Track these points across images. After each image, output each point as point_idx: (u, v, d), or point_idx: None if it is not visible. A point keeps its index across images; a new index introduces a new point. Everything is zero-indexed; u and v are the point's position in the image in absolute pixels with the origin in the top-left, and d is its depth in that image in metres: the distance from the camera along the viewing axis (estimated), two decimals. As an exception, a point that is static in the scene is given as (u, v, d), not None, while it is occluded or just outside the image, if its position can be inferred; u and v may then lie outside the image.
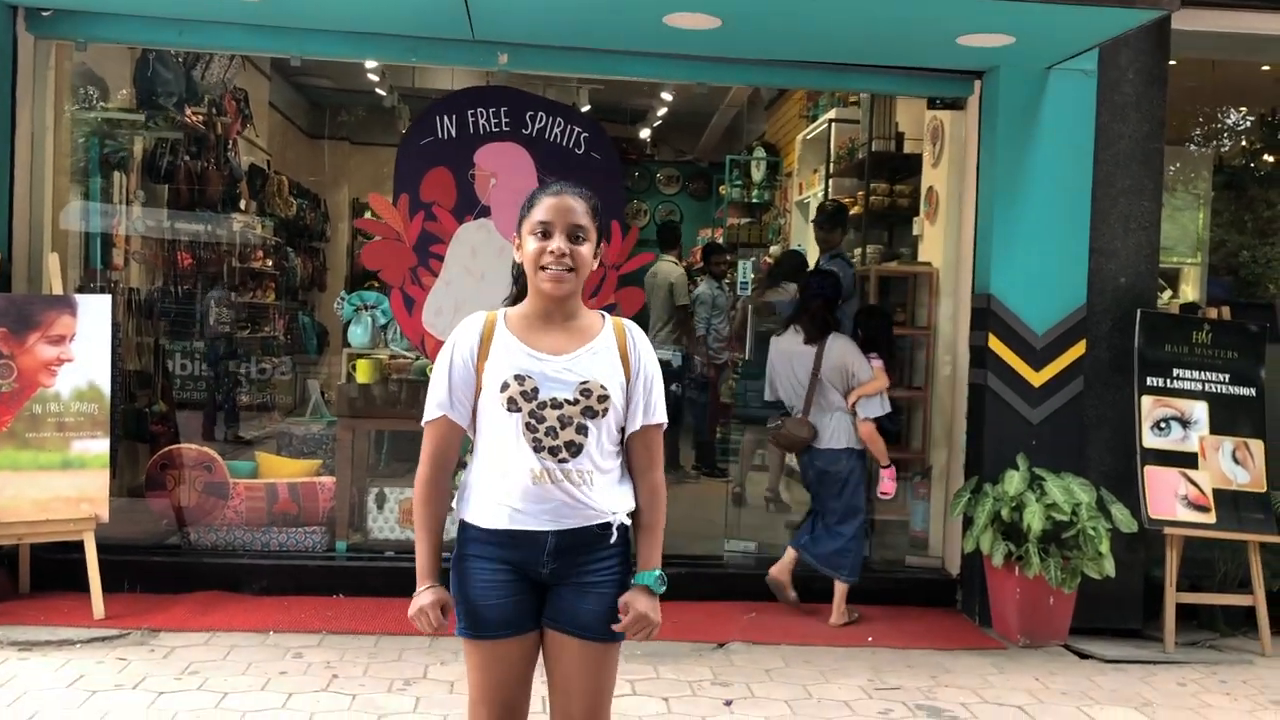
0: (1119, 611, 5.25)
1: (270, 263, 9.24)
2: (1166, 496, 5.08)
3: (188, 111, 7.05)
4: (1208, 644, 5.16)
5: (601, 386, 2.36)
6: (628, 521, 2.44)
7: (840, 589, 5.19)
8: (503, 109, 5.54)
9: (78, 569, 4.80)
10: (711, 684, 4.30)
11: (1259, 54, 6.30)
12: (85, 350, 4.92)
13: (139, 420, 6.54)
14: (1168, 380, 5.23)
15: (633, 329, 2.49)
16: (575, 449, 2.34)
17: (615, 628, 2.38)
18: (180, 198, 7.18)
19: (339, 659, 4.44)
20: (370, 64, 7.71)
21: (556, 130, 5.56)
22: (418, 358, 5.87)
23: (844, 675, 4.49)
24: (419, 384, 5.80)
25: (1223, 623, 5.30)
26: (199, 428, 6.88)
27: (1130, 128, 5.35)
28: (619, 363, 2.42)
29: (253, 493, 5.51)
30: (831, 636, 4.99)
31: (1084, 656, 4.89)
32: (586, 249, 2.39)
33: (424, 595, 2.39)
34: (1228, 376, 5.27)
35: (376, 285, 11.74)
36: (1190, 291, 7.23)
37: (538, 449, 2.33)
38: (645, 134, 11.75)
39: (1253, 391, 5.29)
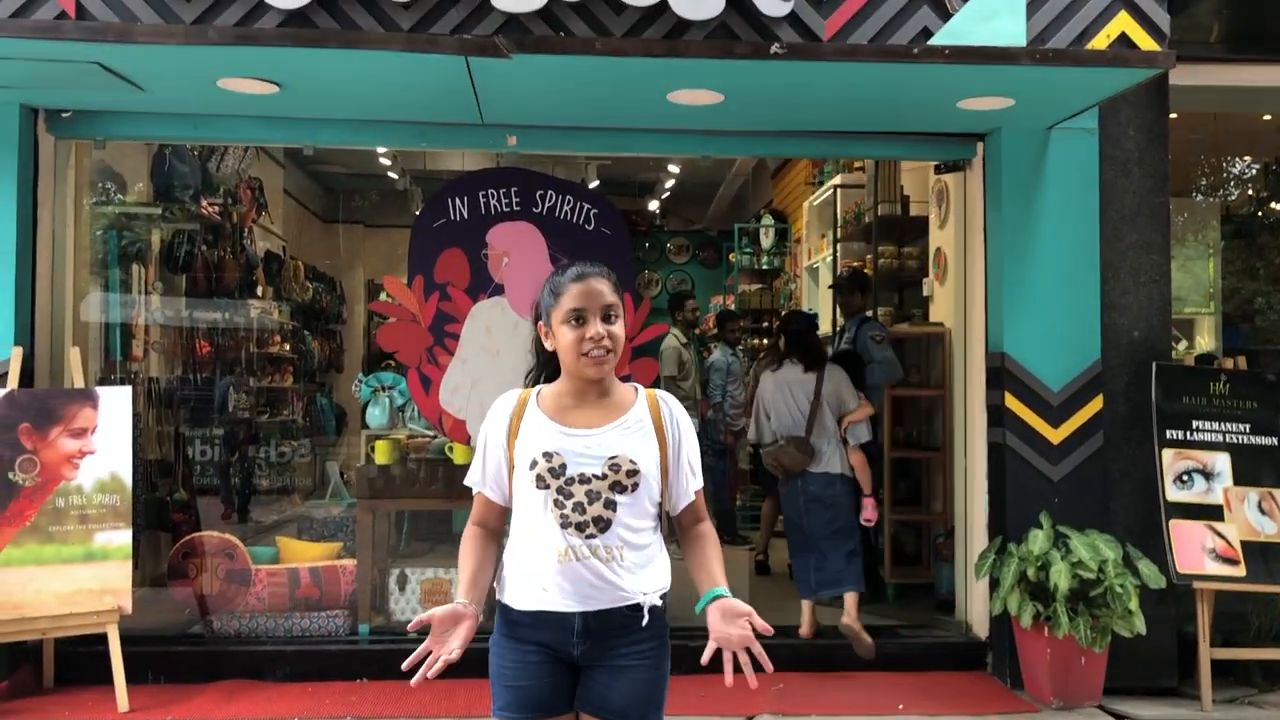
0: (1152, 669, 5.17)
1: (288, 347, 9.34)
2: (1194, 550, 5.02)
3: (204, 202, 7.19)
4: (1246, 701, 5.06)
5: (631, 461, 2.36)
6: (660, 603, 2.42)
7: (852, 598, 5.39)
8: (513, 189, 5.64)
9: (101, 662, 4.79)
10: (741, 759, 4.24)
11: (1258, 105, 6.37)
12: (107, 442, 4.96)
13: (160, 509, 6.57)
14: (1187, 433, 5.20)
15: (667, 400, 2.50)
16: (603, 524, 2.34)
17: (705, 656, 2.32)
18: (198, 286, 7.29)
19: (364, 745, 4.40)
20: (382, 149, 7.85)
21: (566, 208, 5.65)
22: (435, 436, 5.90)
23: (876, 745, 4.42)
24: (438, 463, 5.82)
25: (1260, 678, 5.20)
26: (220, 514, 6.89)
27: (1134, 183, 5.39)
28: (653, 436, 2.42)
29: (275, 578, 5.50)
30: (862, 707, 4.92)
31: (1120, 718, 4.80)
32: (619, 327, 2.41)
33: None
34: (1248, 426, 5.24)
35: (393, 365, 11.87)
36: (1206, 341, 7.22)
37: (565, 525, 2.33)
38: (654, 205, 11.90)
39: (1274, 441, 5.25)
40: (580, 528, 2.33)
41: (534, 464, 2.37)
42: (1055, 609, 4.75)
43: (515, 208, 5.64)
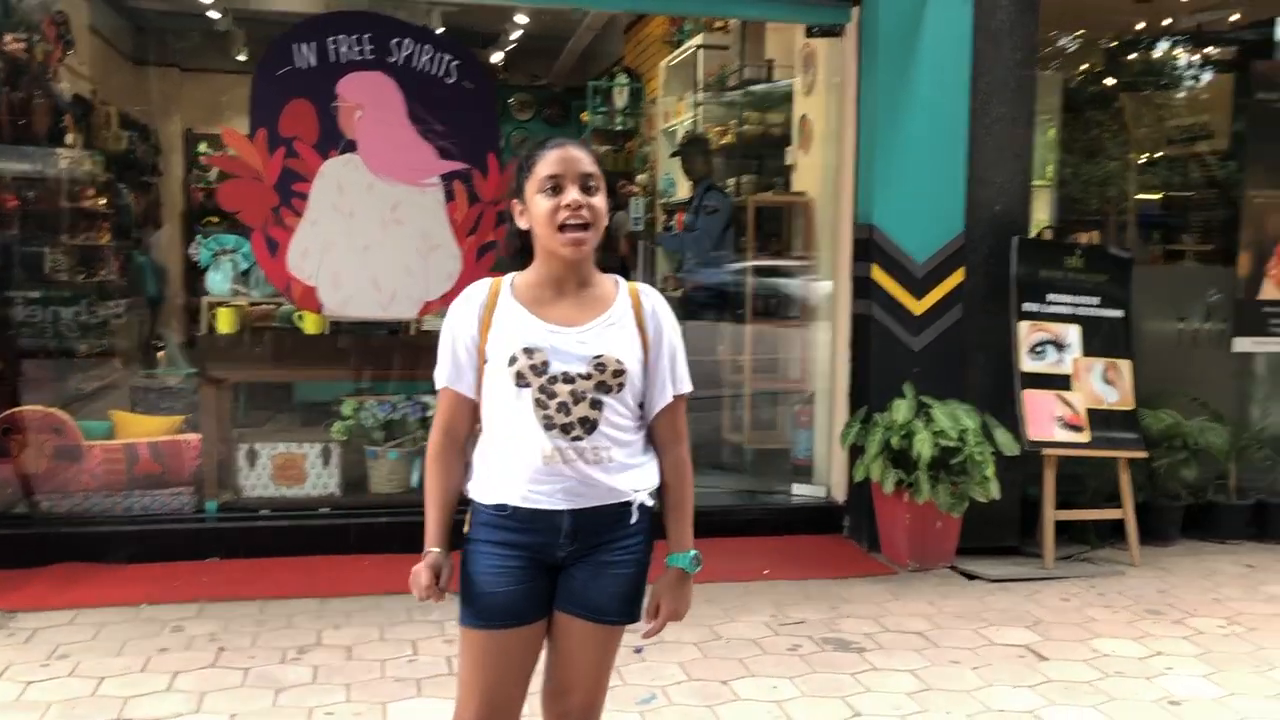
0: (997, 530, 5.41)
1: (103, 201, 8.58)
2: (1044, 419, 5.23)
3: (8, 38, 6.39)
4: (1081, 557, 5.37)
5: (618, 360, 2.19)
6: (650, 501, 2.29)
7: None
8: (365, 35, 5.19)
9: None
10: (618, 630, 4.23)
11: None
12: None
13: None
14: (1043, 305, 5.36)
15: (649, 295, 2.31)
16: (589, 425, 2.18)
17: (644, 634, 2.38)
18: (2, 133, 6.53)
19: (223, 630, 4.19)
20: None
21: (425, 58, 5.25)
22: (282, 304, 5.53)
23: (747, 612, 4.49)
24: (285, 333, 5.49)
25: (1093, 536, 5.52)
26: (43, 386, 6.33)
27: (1004, 54, 5.38)
28: (636, 333, 2.25)
29: (110, 454, 5.12)
30: (729, 573, 4.98)
31: (971, 577, 5.03)
32: (600, 200, 2.20)
33: (424, 559, 2.26)
34: (1099, 300, 5.44)
35: (218, 222, 11.15)
36: (1041, 212, 7.43)
37: (549, 426, 2.16)
38: (498, 58, 11.34)
39: (1121, 313, 5.47)
40: (565, 429, 2.16)
41: (513, 360, 2.17)
42: (917, 476, 4.89)
43: (369, 56, 5.20)
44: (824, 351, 5.94)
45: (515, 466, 2.19)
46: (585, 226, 2.17)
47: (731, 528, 5.50)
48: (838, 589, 4.84)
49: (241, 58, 9.64)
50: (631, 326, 2.25)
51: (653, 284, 7.42)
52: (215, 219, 11.17)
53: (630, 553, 2.28)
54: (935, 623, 4.42)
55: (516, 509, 2.20)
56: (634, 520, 2.25)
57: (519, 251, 2.30)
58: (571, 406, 2.16)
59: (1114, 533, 5.50)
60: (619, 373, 2.20)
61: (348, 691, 3.63)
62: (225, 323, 5.27)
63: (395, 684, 3.70)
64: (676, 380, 2.31)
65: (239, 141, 5.15)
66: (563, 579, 2.26)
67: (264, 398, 6.53)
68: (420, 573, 2.24)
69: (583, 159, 2.20)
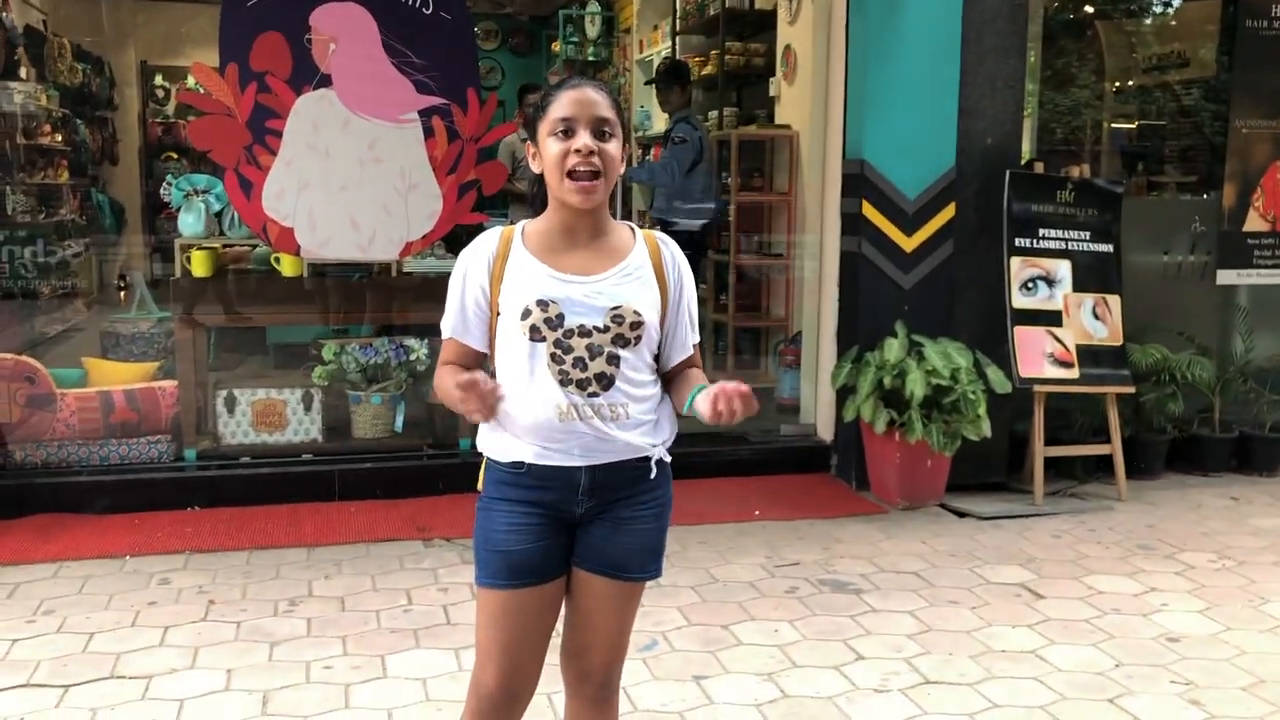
0: (985, 466, 5.40)
1: (59, 138, 8.29)
2: (1035, 355, 5.20)
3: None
4: (1069, 492, 5.39)
5: (635, 312, 2.09)
6: (668, 457, 2.20)
7: None
8: (339, -36, 4.97)
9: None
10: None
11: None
12: None
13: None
14: (1034, 240, 5.30)
15: (668, 244, 2.20)
16: (606, 381, 2.07)
17: (714, 411, 2.00)
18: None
19: (211, 582, 4.10)
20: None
21: (400, -12, 5.05)
22: (257, 246, 5.37)
23: (742, 554, 4.47)
24: (261, 276, 5.34)
25: (1080, 470, 5.54)
26: (5, 329, 6.14)
27: (996, -18, 5.26)
28: (655, 283, 2.14)
29: (85, 403, 4.98)
30: (719, 514, 4.95)
31: (962, 515, 5.03)
32: (614, 146, 2.07)
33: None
34: (1089, 234, 5.39)
35: (177, 158, 10.81)
36: (1024, 144, 7.35)
37: (564, 382, 2.06)
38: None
39: (1110, 248, 5.44)
40: (581, 385, 2.07)
41: (527, 313, 2.06)
42: (910, 416, 4.85)
43: (342, -14, 5.00)
44: (810, 289, 5.86)
45: (530, 422, 2.10)
46: (596, 174, 2.05)
47: (717, 468, 5.47)
48: (830, 529, 4.82)
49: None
50: (650, 276, 2.15)
51: (628, 219, 7.40)
52: (174, 154, 10.93)
53: (650, 508, 2.20)
54: (930, 561, 4.42)
55: (532, 466, 2.11)
56: (653, 475, 2.18)
57: (538, 200, 2.18)
58: (588, 362, 2.07)
59: (1100, 467, 5.52)
60: (637, 324, 2.10)
61: (344, 644, 3.57)
62: (200, 266, 5.10)
63: (392, 635, 3.64)
64: (693, 331, 2.24)
65: (209, 77, 4.94)
66: (581, 535, 2.18)
67: (241, 341, 6.38)
68: (467, 380, 1.94)
69: (599, 102, 2.07)
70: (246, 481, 5.01)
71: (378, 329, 5.50)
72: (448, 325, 2.20)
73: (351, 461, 5.13)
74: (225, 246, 5.39)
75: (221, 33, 4.92)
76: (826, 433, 5.70)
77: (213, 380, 5.33)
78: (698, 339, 2.25)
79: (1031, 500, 5.18)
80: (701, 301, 6.69)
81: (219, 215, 5.17)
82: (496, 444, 2.16)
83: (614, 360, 2.08)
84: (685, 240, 6.62)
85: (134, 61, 10.74)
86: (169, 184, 5.10)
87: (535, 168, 2.14)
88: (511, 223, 2.23)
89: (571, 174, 2.04)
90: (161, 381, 5.15)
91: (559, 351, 2.06)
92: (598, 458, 2.10)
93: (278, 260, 5.20)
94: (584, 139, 2.03)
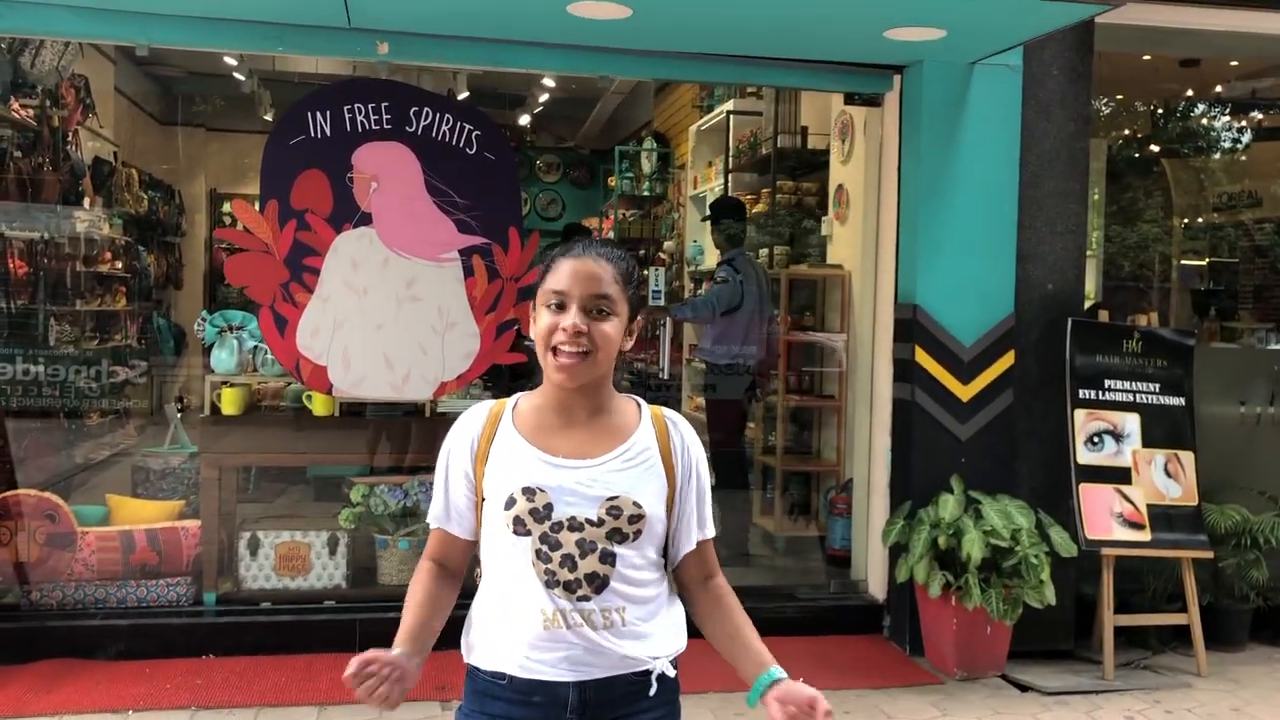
0: (1050, 632, 5.01)
1: (120, 264, 8.41)
2: (1102, 515, 4.86)
3: (14, 103, 6.23)
4: (1142, 664, 4.97)
5: (635, 504, 1.86)
6: (672, 672, 1.93)
7: None
8: (383, 104, 4.97)
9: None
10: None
11: (1171, 47, 6.12)
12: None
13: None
14: (1100, 392, 5.00)
15: (678, 423, 1.99)
16: (599, 583, 1.84)
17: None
18: (9, 198, 6.35)
19: (212, 744, 3.87)
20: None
21: (445, 128, 5.02)
22: (289, 383, 5.26)
23: (781, 730, 4.11)
24: (292, 413, 5.21)
25: (1155, 639, 5.12)
26: (41, 466, 6.07)
27: (1055, 126, 5.09)
28: (661, 470, 1.92)
29: (105, 542, 4.83)
30: (760, 679, 4.60)
31: (1024, 689, 4.64)
32: (612, 326, 1.87)
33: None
34: (1158, 386, 5.08)
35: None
36: (1089, 284, 7.10)
37: (550, 584, 1.83)
38: (525, 120, 11.18)
39: (1182, 401, 5.11)
40: (569, 587, 1.83)
41: (511, 502, 1.85)
42: (967, 580, 4.52)
43: (386, 126, 4.97)
44: (860, 435, 5.59)
45: (512, 628, 1.86)
46: (585, 354, 1.85)
47: (760, 627, 5.03)
48: (880, 701, 4.46)
49: (267, 118, 9.53)
50: (656, 461, 1.93)
51: (676, 355, 7.17)
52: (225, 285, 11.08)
53: None
54: (989, 746, 4.03)
55: (513, 678, 1.86)
56: (653, 692, 1.91)
57: (539, 367, 1.98)
58: (578, 560, 1.83)
59: (1176, 635, 5.10)
60: (636, 518, 1.86)
61: (342, 826, 3.29)
62: (230, 403, 5.01)
63: (395, 817, 3.36)
64: (702, 523, 1.99)
65: (248, 213, 4.92)
66: None
67: (283, 471, 6.26)
68: (381, 652, 1.78)
69: (600, 276, 1.87)
70: (264, 629, 4.80)
71: (409, 470, 5.32)
72: (432, 513, 1.99)
73: (375, 610, 4.88)
74: (259, 383, 5.30)
75: (263, 169, 4.90)
76: (879, 590, 5.35)
77: (240, 518, 5.18)
78: (711, 534, 2.00)
79: (1101, 673, 4.77)
80: (750, 442, 6.55)
81: (253, 352, 5.09)
82: (482, 647, 1.92)
83: (608, 558, 1.85)
84: (729, 379, 6.46)
85: (203, 189, 11.02)
86: (203, 320, 5.04)
87: (529, 333, 1.96)
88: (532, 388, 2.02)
89: (555, 350, 1.85)
90: (185, 521, 5.00)
91: (545, 548, 1.83)
92: (588, 672, 1.85)
93: (309, 398, 5.08)
94: (573, 317, 1.84)
